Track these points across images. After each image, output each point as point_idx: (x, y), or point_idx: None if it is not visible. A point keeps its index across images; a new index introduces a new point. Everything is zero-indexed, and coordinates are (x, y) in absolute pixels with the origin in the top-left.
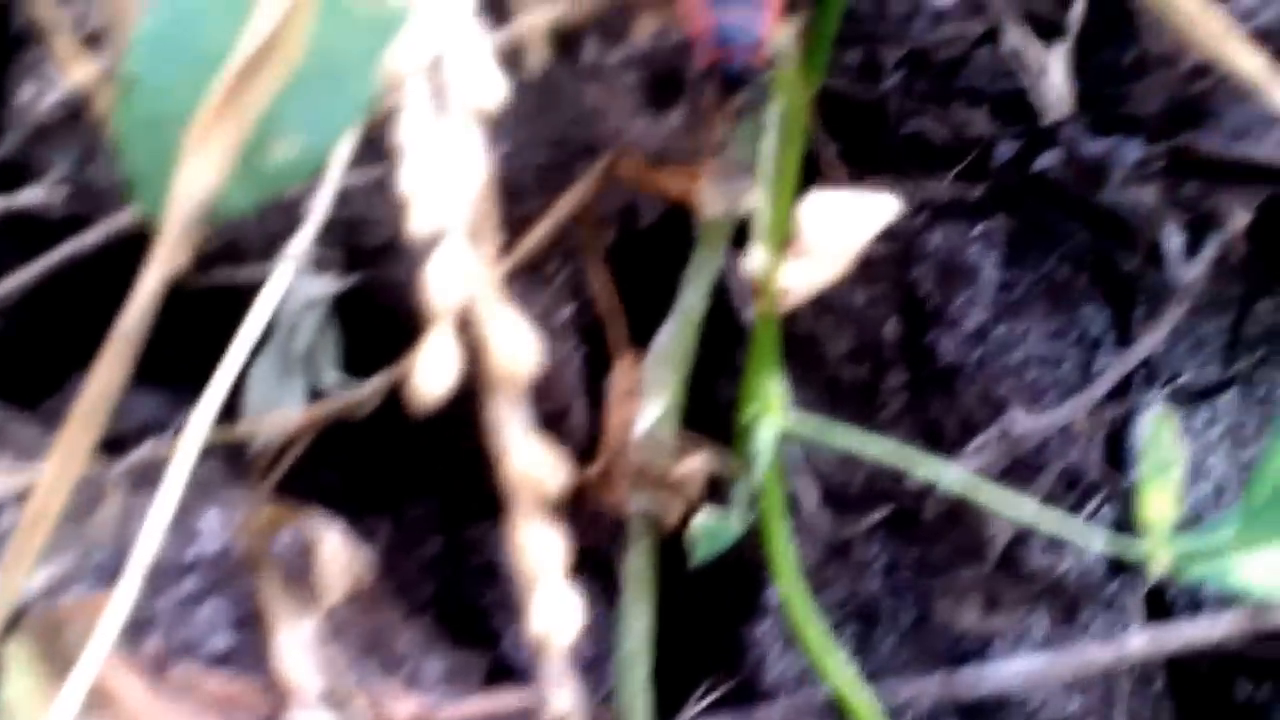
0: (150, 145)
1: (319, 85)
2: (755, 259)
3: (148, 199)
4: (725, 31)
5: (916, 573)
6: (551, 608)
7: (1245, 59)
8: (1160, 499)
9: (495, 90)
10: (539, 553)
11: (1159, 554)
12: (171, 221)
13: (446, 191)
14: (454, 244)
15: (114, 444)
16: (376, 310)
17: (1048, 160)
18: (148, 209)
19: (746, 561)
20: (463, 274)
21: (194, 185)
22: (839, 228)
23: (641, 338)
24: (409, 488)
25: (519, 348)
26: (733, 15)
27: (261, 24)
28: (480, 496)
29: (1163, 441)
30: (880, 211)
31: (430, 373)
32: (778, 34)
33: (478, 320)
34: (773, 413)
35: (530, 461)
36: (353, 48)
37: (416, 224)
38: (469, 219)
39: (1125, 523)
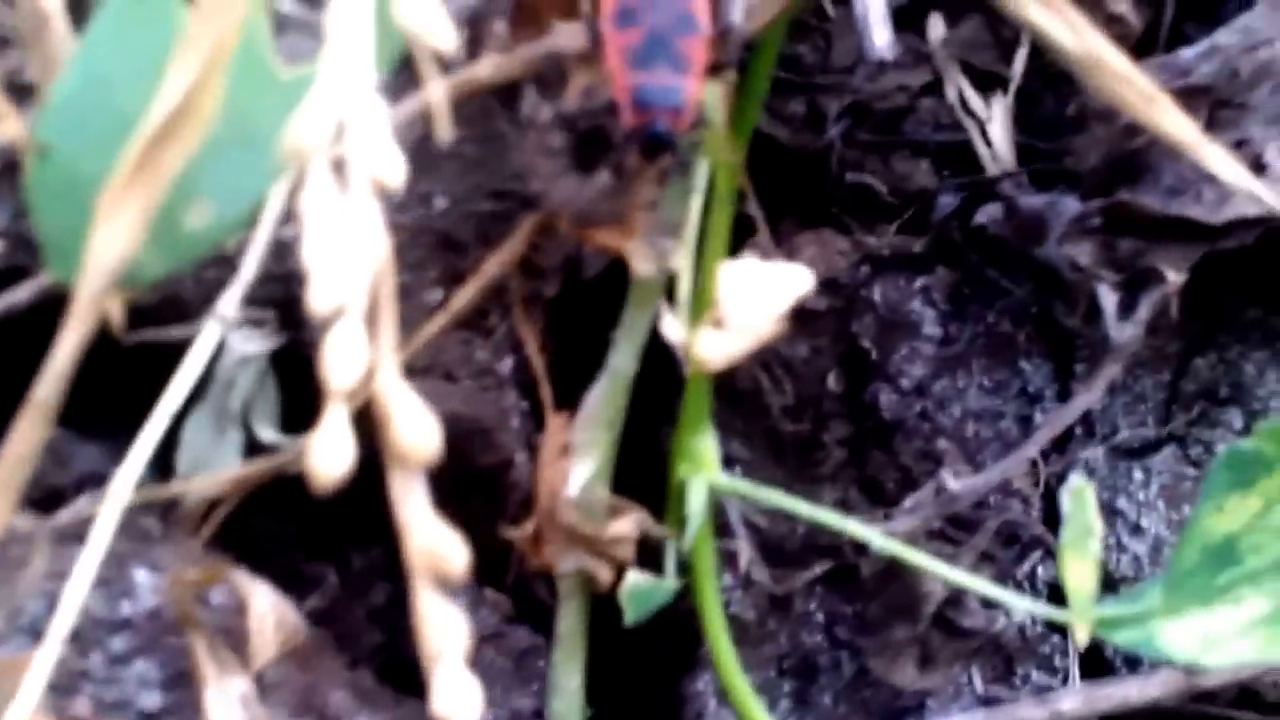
0: (63, 210)
1: (233, 150)
2: (673, 327)
3: (60, 265)
4: (648, 95)
5: (855, 628)
6: (452, 688)
7: (1173, 121)
8: (1081, 568)
9: (395, 166)
10: (440, 632)
11: (1081, 622)
12: (85, 287)
13: (346, 268)
14: (351, 323)
15: (52, 497)
16: (313, 362)
17: (988, 214)
18: (61, 274)
19: (685, 614)
20: (360, 353)
21: (107, 252)
22: (755, 300)
23: (585, 387)
24: (354, 535)
25: (419, 426)
26: (655, 79)
27: (174, 88)
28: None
29: (1083, 511)
30: (796, 284)
31: (326, 455)
32: (702, 98)
33: (378, 398)
34: (705, 471)
35: (432, 540)
36: (269, 111)
37: (315, 301)
38: (368, 296)
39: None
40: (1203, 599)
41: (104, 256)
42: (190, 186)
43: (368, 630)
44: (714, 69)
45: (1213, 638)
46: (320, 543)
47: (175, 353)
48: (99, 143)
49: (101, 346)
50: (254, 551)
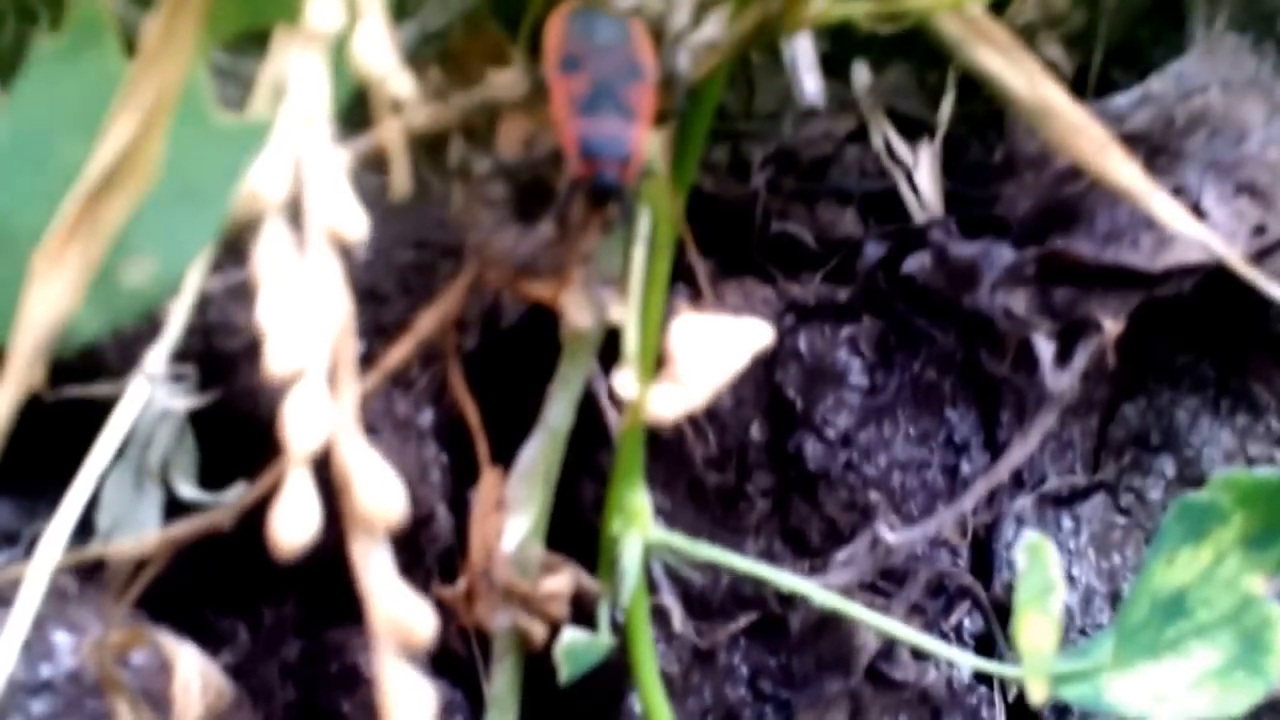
0: (0, 267)
1: (174, 203)
2: (627, 383)
3: None
4: (595, 145)
5: (780, 680)
6: None
7: (1123, 170)
8: (1040, 625)
9: (355, 221)
10: (406, 702)
11: (1037, 684)
12: (21, 347)
13: (305, 329)
14: (312, 385)
15: None
16: (233, 416)
17: (916, 263)
18: None
19: (609, 666)
20: (321, 417)
21: (44, 309)
22: (711, 354)
23: (504, 439)
24: (265, 589)
25: (384, 491)
26: (603, 128)
27: (115, 142)
28: (340, 598)
29: (1041, 567)
30: (753, 338)
31: (290, 521)
32: (648, 148)
33: (340, 461)
34: (638, 527)
35: (398, 609)
36: (210, 164)
37: (275, 363)
38: (328, 357)
39: (990, 630)
40: (1152, 652)
41: (41, 316)
42: (129, 241)
43: (281, 687)
44: (661, 118)
45: (1163, 692)
46: (230, 597)
47: (88, 405)
48: (33, 195)
49: None
50: (163, 607)
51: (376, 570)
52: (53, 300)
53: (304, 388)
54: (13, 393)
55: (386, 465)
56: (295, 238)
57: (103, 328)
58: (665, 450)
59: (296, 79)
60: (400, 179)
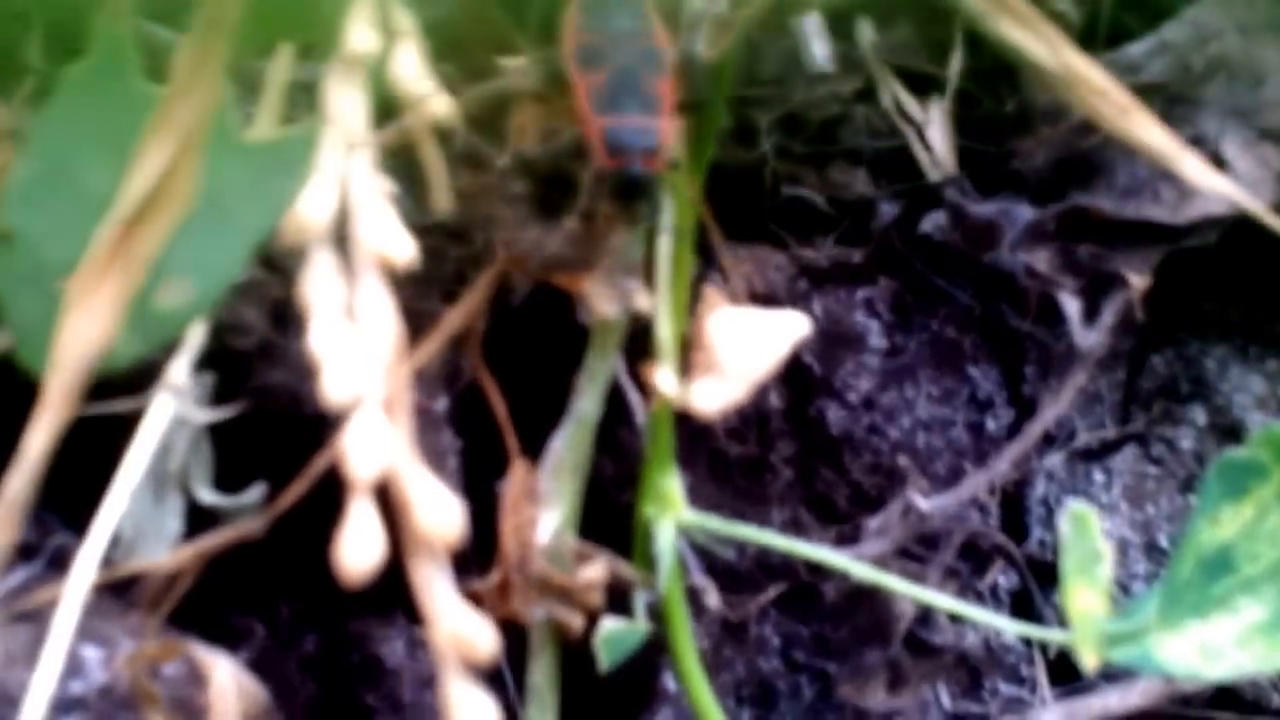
0: (33, 297)
1: (209, 225)
2: (668, 380)
3: (31, 353)
4: (621, 138)
5: (813, 650)
6: None
7: (1149, 131)
8: (1088, 595)
9: (403, 246)
10: (468, 716)
11: (1089, 653)
12: (58, 378)
13: (359, 357)
14: (370, 413)
15: None
16: (247, 414)
17: (933, 222)
18: (31, 363)
19: (644, 646)
20: (380, 444)
21: (81, 338)
22: (750, 347)
23: (522, 417)
24: (280, 583)
25: (442, 512)
26: (627, 120)
27: (148, 169)
28: (357, 590)
29: (1086, 536)
30: (791, 330)
31: (355, 549)
32: (674, 139)
33: (399, 485)
34: (671, 511)
35: (459, 625)
36: (245, 184)
37: (330, 393)
38: (383, 383)
39: (1027, 586)
40: (1199, 610)
41: (78, 345)
42: (163, 264)
43: (301, 682)
44: (687, 107)
45: (1211, 649)
46: (245, 593)
47: (102, 419)
48: (65, 226)
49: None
50: (177, 605)
51: (438, 590)
52: (90, 330)
53: (362, 416)
54: (52, 424)
55: (444, 487)
56: (340, 263)
57: (139, 352)
58: (686, 423)
59: (337, 104)
60: (441, 196)
